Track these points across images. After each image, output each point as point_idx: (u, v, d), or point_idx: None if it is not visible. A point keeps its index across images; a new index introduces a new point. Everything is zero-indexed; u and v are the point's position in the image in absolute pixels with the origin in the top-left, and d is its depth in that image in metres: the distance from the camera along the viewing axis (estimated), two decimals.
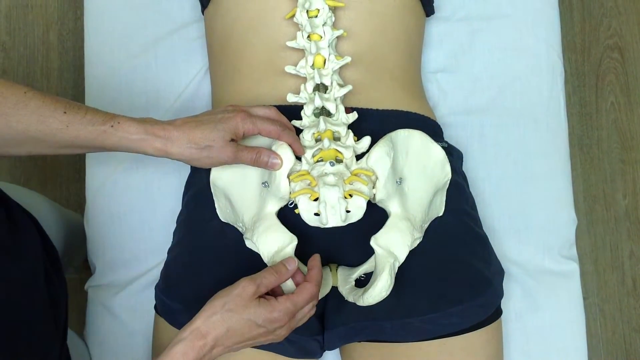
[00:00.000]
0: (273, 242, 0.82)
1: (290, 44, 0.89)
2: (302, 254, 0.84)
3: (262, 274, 0.78)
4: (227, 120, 0.80)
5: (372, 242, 0.81)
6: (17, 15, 1.60)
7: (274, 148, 0.84)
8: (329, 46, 0.87)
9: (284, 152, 0.83)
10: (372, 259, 0.84)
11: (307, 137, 0.85)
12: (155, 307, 0.94)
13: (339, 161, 0.83)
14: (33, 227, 0.85)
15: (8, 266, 0.75)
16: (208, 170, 0.88)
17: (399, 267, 0.83)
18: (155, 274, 1.03)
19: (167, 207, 1.06)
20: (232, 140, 0.81)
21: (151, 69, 1.11)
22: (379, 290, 0.79)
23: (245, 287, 0.76)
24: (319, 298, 0.83)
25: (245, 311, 0.75)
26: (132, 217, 1.07)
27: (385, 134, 0.86)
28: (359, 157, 0.85)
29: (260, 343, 0.79)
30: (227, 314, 0.74)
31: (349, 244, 0.85)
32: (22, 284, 0.77)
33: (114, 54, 1.12)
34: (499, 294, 0.92)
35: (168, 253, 0.96)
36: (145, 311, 1.03)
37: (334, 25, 0.89)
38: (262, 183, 0.85)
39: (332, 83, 0.87)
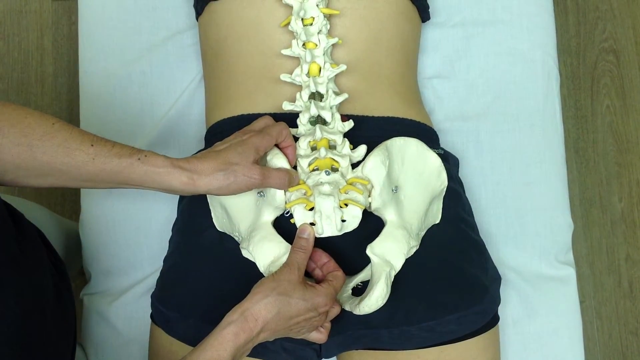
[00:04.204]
0: (269, 252, 0.82)
1: (285, 52, 0.88)
2: None
3: (291, 256, 0.80)
4: (245, 142, 0.79)
5: (368, 251, 0.81)
6: (11, 21, 1.60)
7: (268, 158, 0.84)
8: (324, 54, 0.87)
9: (279, 162, 0.83)
10: (368, 267, 0.84)
11: (302, 146, 0.85)
12: (152, 316, 0.94)
13: (335, 170, 0.83)
14: (40, 242, 0.85)
15: (20, 281, 0.75)
16: None
17: (396, 276, 0.83)
18: (151, 282, 1.03)
19: (163, 215, 1.06)
20: (256, 164, 0.80)
21: (146, 75, 1.11)
22: (375, 299, 0.79)
23: (289, 273, 0.77)
24: None
25: (295, 294, 0.76)
26: (128, 225, 1.07)
27: (381, 142, 0.86)
28: (354, 165, 0.85)
29: (297, 334, 0.81)
30: (279, 297, 0.75)
31: (345, 253, 0.85)
32: (34, 298, 0.76)
33: (108, 60, 1.11)
34: (496, 300, 0.92)
35: (164, 262, 0.95)
36: (141, 320, 1.02)
37: (329, 33, 0.89)
38: (258, 192, 0.85)
39: (327, 91, 0.87)
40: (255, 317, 0.74)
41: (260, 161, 0.83)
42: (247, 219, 0.85)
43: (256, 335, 0.74)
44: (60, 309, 0.83)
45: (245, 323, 0.73)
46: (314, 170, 0.83)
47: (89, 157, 0.75)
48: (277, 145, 0.85)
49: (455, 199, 0.92)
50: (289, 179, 0.82)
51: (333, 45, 0.89)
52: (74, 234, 1.16)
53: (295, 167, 0.85)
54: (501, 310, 0.95)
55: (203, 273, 0.88)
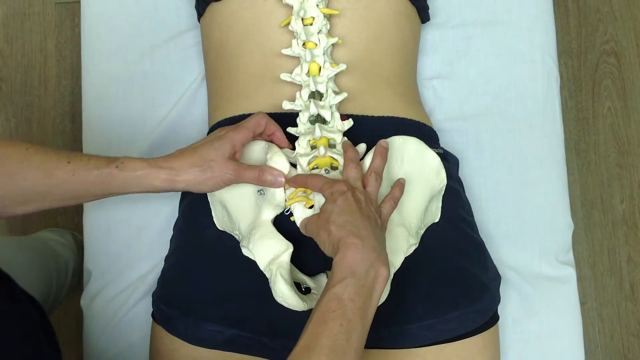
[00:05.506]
0: (269, 250, 0.82)
1: (285, 51, 0.89)
2: (298, 261, 0.84)
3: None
4: (221, 138, 0.81)
5: None
6: (15, 23, 1.61)
7: (268, 156, 0.84)
8: (324, 54, 0.88)
9: (279, 160, 0.84)
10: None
11: (302, 145, 0.85)
12: (153, 315, 0.94)
13: (334, 168, 0.84)
14: (16, 286, 0.84)
15: (14, 306, 0.75)
16: None
17: (396, 274, 0.83)
18: (152, 281, 1.03)
19: (164, 214, 1.06)
20: (233, 159, 0.81)
21: (148, 76, 1.11)
22: None
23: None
24: None
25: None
26: (129, 225, 1.07)
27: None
28: None
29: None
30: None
31: None
32: (27, 325, 0.76)
33: (110, 61, 1.12)
34: (496, 299, 0.93)
35: (165, 260, 0.96)
36: (143, 318, 1.02)
37: (329, 33, 0.90)
38: (258, 191, 0.86)
39: (327, 90, 0.87)
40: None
41: (239, 157, 0.84)
42: (247, 218, 0.85)
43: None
44: (53, 346, 0.82)
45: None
46: (313, 168, 0.84)
47: (68, 174, 0.77)
48: (272, 141, 0.86)
49: (455, 198, 0.93)
50: (264, 175, 0.83)
51: (333, 44, 0.89)
52: (57, 261, 1.14)
53: (295, 166, 0.85)
54: (501, 310, 0.95)
55: (203, 271, 0.88)
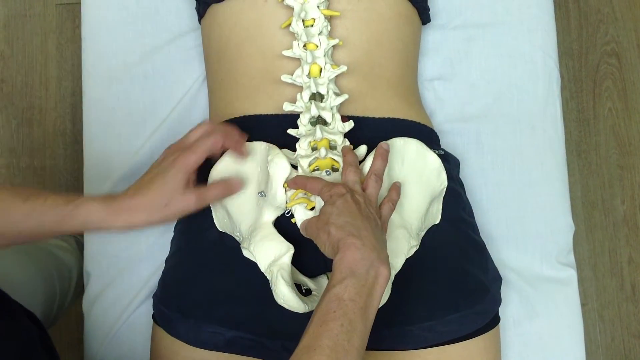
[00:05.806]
0: (270, 251, 0.82)
1: (286, 53, 0.89)
2: (299, 263, 0.84)
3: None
4: (173, 166, 0.80)
5: None
6: (16, 25, 1.61)
7: (269, 158, 0.84)
8: (324, 55, 0.88)
9: (280, 162, 0.83)
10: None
11: (303, 146, 0.85)
12: (153, 316, 0.94)
13: (335, 170, 0.84)
14: (10, 298, 0.83)
15: (11, 324, 0.75)
16: (205, 179, 0.89)
17: (397, 276, 0.83)
18: (153, 283, 1.03)
19: None
20: (189, 185, 0.81)
21: (148, 77, 1.11)
22: None
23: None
24: None
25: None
26: None
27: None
28: None
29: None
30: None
31: None
32: (25, 342, 0.76)
33: (111, 63, 1.12)
34: (497, 300, 0.93)
35: (166, 262, 0.96)
36: (145, 324, 1.02)
37: (330, 34, 0.89)
38: (259, 192, 0.86)
39: (328, 92, 0.87)
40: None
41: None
42: (248, 219, 0.85)
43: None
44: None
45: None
46: (314, 170, 0.84)
47: (24, 214, 0.75)
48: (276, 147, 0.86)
49: (456, 199, 0.93)
50: (227, 186, 0.84)
51: (334, 46, 0.89)
52: (57, 274, 1.14)
53: (295, 167, 0.85)
54: (502, 311, 0.95)
55: (204, 273, 0.88)
